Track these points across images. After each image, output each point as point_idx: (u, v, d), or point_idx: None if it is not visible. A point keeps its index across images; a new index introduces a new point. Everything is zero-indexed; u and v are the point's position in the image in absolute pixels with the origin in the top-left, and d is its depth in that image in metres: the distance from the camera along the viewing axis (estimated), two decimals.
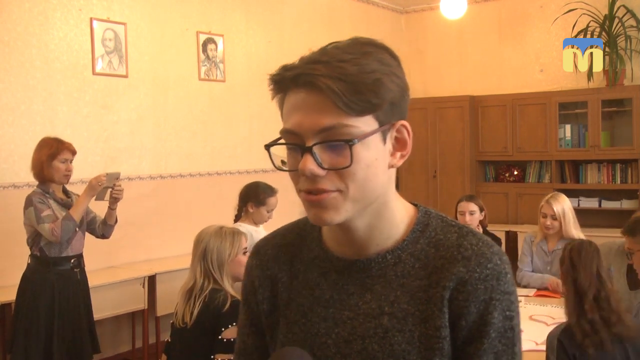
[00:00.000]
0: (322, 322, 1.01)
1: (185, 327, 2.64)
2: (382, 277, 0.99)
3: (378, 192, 0.95)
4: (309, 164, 0.90)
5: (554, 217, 3.83)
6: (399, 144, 0.96)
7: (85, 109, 4.73)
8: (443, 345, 0.94)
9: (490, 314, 0.94)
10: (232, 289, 2.73)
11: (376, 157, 0.92)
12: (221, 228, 2.79)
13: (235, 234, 2.78)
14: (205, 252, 2.69)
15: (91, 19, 4.75)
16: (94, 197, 3.70)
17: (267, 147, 0.98)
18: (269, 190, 3.87)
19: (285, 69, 0.93)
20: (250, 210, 3.82)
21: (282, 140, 0.95)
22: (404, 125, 0.96)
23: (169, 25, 5.28)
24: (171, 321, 2.81)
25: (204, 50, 5.56)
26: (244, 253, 2.79)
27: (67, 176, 3.65)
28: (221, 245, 2.71)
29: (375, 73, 0.90)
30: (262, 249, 1.13)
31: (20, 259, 4.37)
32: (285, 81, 0.93)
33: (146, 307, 4.60)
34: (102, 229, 3.88)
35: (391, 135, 0.95)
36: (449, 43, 7.44)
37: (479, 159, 7.28)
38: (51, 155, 3.58)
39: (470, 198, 4.30)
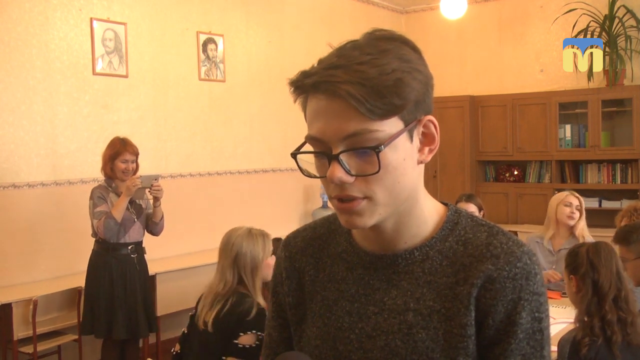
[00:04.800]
0: (346, 317, 1.00)
1: (206, 328, 2.63)
2: (409, 273, 0.98)
3: (408, 191, 0.94)
4: (337, 172, 0.88)
5: (578, 207, 3.91)
6: (427, 138, 0.94)
7: (85, 109, 4.73)
8: (468, 344, 0.93)
9: (519, 314, 0.92)
10: (261, 293, 2.73)
11: (404, 157, 0.91)
12: (250, 230, 2.77)
13: (265, 236, 2.79)
14: (238, 256, 2.67)
15: (91, 19, 4.75)
16: (132, 197, 3.97)
17: (294, 155, 0.95)
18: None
19: (304, 75, 0.90)
20: None
21: (308, 145, 0.93)
22: (430, 120, 0.94)
23: (169, 25, 5.28)
24: (190, 313, 2.79)
25: (204, 50, 5.56)
26: (271, 255, 2.80)
27: (126, 174, 3.97)
28: (254, 249, 2.70)
29: (396, 72, 0.87)
30: (292, 241, 1.12)
31: (19, 259, 4.38)
32: (305, 87, 0.90)
33: None
34: (150, 225, 4.16)
35: (418, 131, 0.93)
36: (449, 43, 7.44)
37: (479, 159, 7.28)
38: (113, 155, 3.96)
39: (469, 198, 4.29)
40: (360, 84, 0.85)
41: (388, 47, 0.89)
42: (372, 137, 0.87)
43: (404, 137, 0.90)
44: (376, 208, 0.91)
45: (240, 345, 2.56)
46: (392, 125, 0.88)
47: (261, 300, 2.67)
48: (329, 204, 5.56)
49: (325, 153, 0.90)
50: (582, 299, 2.30)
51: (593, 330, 2.20)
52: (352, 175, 0.89)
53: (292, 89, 0.92)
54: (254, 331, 2.58)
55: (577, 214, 3.90)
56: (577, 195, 3.98)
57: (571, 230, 3.90)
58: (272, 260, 2.75)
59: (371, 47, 0.89)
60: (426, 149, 0.95)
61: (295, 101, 0.95)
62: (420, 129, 0.93)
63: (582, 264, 2.32)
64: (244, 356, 2.58)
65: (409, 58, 0.90)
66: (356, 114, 0.86)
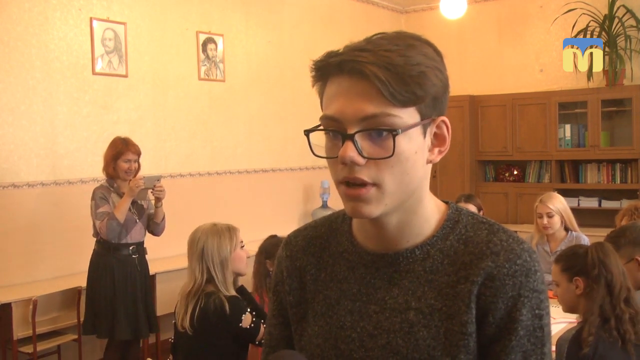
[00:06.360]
0: (348, 316, 1.01)
1: (186, 332, 2.63)
2: (410, 272, 0.98)
3: (414, 187, 0.95)
4: (349, 152, 0.88)
5: (549, 215, 3.82)
6: (438, 139, 0.96)
7: (85, 109, 4.73)
8: (468, 342, 0.93)
9: (519, 310, 0.92)
10: (233, 286, 2.72)
11: (416, 150, 0.92)
12: (215, 225, 2.76)
13: (231, 229, 2.76)
14: (204, 251, 2.66)
15: (91, 19, 4.75)
16: (135, 198, 3.97)
17: (307, 133, 0.95)
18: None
19: (329, 55, 0.91)
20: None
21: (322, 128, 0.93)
22: (444, 121, 0.95)
23: (169, 25, 5.28)
24: (173, 321, 2.81)
25: (204, 50, 5.56)
26: (242, 247, 2.78)
27: (129, 174, 3.97)
28: (221, 242, 2.68)
29: (420, 66, 0.89)
30: (292, 239, 1.12)
31: (19, 259, 4.38)
32: (329, 67, 0.91)
33: None
34: (151, 225, 4.16)
35: (431, 130, 0.94)
36: (448, 43, 7.43)
37: (478, 159, 7.28)
38: (115, 155, 3.96)
39: (469, 198, 4.29)
40: (386, 68, 0.87)
41: (414, 43, 0.92)
42: (389, 121, 0.88)
43: (418, 130, 0.92)
44: (383, 197, 0.92)
45: (248, 327, 2.63)
46: (410, 115, 0.90)
47: (229, 292, 2.68)
48: (329, 204, 5.52)
49: (339, 132, 0.90)
50: (593, 300, 2.28)
51: (610, 331, 2.20)
52: (364, 157, 0.89)
53: (314, 70, 0.93)
54: (245, 313, 2.63)
55: (552, 222, 3.82)
56: (545, 202, 3.86)
57: (562, 232, 3.87)
58: (242, 253, 2.76)
59: (399, 40, 0.92)
60: (436, 150, 0.96)
61: (313, 86, 0.95)
62: (434, 128, 0.95)
63: (594, 265, 2.31)
64: (252, 334, 2.66)
65: (433, 57, 0.93)
66: (378, 96, 0.88)
